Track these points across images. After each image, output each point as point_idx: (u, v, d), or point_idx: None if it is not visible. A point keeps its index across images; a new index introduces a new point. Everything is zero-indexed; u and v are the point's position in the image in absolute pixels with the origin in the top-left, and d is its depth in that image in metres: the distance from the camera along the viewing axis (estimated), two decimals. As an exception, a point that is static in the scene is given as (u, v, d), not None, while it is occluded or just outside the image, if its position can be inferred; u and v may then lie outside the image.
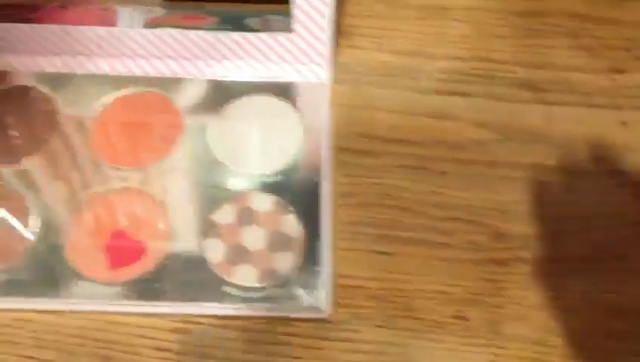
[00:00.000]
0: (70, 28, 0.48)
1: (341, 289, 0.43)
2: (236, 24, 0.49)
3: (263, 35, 0.48)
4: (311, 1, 0.46)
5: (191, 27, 0.49)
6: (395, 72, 0.51)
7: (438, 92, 0.51)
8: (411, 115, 0.50)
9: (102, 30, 0.49)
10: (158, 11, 0.49)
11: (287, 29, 0.48)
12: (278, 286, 0.42)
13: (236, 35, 0.48)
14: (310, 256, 0.43)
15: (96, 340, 0.41)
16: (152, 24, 0.49)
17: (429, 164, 0.48)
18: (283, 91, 0.49)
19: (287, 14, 0.47)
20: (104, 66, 0.50)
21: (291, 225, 0.44)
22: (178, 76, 0.50)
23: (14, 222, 0.44)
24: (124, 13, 0.49)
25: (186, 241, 0.44)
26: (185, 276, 0.42)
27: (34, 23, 0.49)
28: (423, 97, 0.50)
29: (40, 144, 0.48)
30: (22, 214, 0.45)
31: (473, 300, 0.43)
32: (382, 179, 0.47)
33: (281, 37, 0.48)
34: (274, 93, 0.49)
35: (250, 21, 0.49)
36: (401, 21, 0.53)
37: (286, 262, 0.43)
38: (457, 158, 0.48)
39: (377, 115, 0.50)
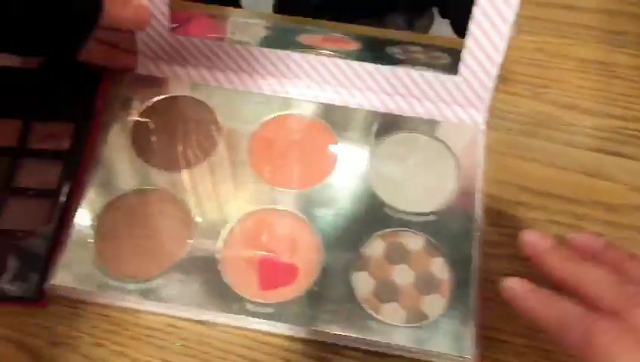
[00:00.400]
0: (238, 47, 0.51)
1: (485, 341, 0.42)
2: (378, 52, 0.50)
3: (427, 74, 0.49)
4: (483, 46, 0.46)
5: (339, 51, 0.50)
6: (550, 123, 0.51)
7: (594, 149, 0.50)
8: (565, 170, 0.49)
9: (265, 51, 0.51)
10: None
11: (444, 67, 0.48)
12: (425, 329, 0.42)
13: (400, 70, 0.49)
14: (458, 302, 0.42)
15: (240, 356, 0.42)
16: (299, 46, 0.51)
17: (584, 224, 0.47)
18: (434, 130, 0.50)
19: (452, 51, 0.48)
20: (263, 85, 0.52)
21: (441, 268, 0.43)
22: (334, 103, 0.51)
23: (174, 229, 0.46)
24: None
25: (335, 271, 0.44)
26: (332, 306, 0.43)
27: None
28: (578, 153, 0.50)
29: (201, 154, 0.49)
30: (182, 222, 0.46)
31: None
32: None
33: (444, 77, 0.48)
34: (425, 131, 0.49)
35: (390, 50, 0.50)
36: (560, 72, 0.53)
37: (434, 305, 0.42)
38: (613, 221, 0.47)
39: (529, 166, 0.49)
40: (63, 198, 0.47)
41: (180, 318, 0.43)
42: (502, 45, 0.46)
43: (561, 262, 0.37)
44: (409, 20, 0.52)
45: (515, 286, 0.37)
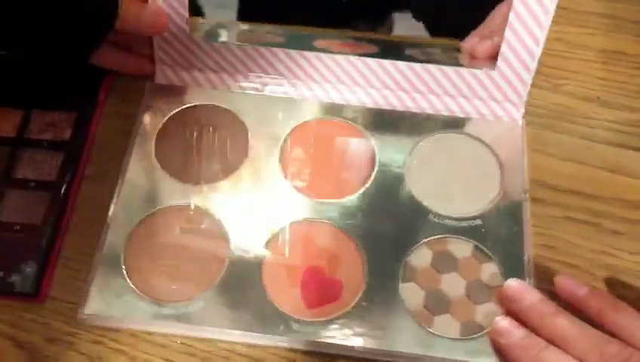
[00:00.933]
0: (262, 49, 0.47)
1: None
2: (398, 54, 0.47)
3: (462, 70, 0.46)
4: (522, 39, 0.44)
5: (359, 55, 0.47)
6: (569, 116, 0.50)
7: (614, 144, 0.49)
8: (584, 164, 0.48)
9: (292, 52, 0.47)
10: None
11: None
12: (480, 341, 0.40)
13: (432, 68, 0.46)
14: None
15: (242, 356, 0.40)
16: (319, 50, 0.47)
17: (602, 221, 0.46)
18: (470, 128, 0.47)
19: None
20: (291, 90, 0.48)
21: (492, 274, 0.42)
22: (367, 106, 0.48)
23: (209, 247, 0.42)
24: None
25: (381, 283, 0.41)
26: (382, 321, 0.40)
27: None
28: (597, 147, 0.49)
29: (231, 164, 0.45)
30: (216, 240, 0.42)
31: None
32: (547, 229, 0.45)
33: (480, 72, 0.46)
34: (461, 130, 0.47)
35: (409, 51, 0.48)
36: (580, 63, 0.52)
37: (489, 315, 0.41)
38: (633, 219, 0.46)
39: (546, 161, 0.48)
40: (63, 190, 0.44)
41: (223, 341, 0.40)
42: (542, 37, 0.44)
43: (540, 319, 0.38)
44: (371, 28, 0.49)
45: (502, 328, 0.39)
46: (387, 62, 0.46)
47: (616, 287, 0.43)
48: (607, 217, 0.46)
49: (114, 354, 0.40)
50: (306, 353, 0.40)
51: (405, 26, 0.48)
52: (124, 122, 0.48)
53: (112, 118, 0.49)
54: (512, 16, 0.43)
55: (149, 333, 0.40)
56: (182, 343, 0.40)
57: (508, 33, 0.44)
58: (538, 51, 0.44)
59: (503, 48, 0.44)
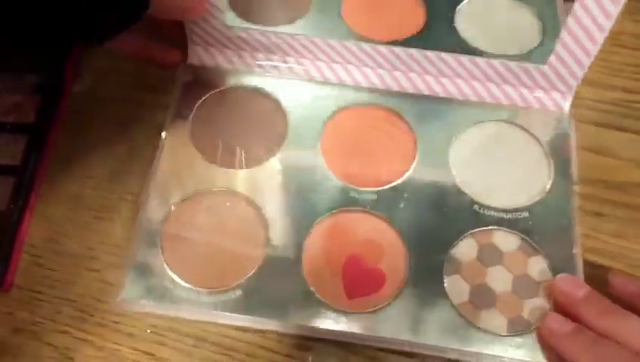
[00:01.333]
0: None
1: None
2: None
3: (511, 63, 0.44)
4: (578, 40, 0.42)
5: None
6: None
7: (598, 124, 0.46)
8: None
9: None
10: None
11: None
12: (527, 337, 0.38)
13: (478, 60, 0.45)
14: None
15: (213, 344, 0.39)
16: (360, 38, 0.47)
17: (583, 203, 0.43)
18: (517, 117, 0.45)
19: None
20: (330, 74, 0.47)
21: (540, 269, 0.40)
22: (408, 91, 0.46)
23: (248, 234, 0.41)
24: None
25: (425, 275, 0.40)
26: (422, 313, 0.39)
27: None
28: (580, 127, 0.46)
29: (268, 149, 0.44)
30: (255, 226, 0.41)
31: None
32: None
33: (530, 66, 0.44)
34: (508, 119, 0.45)
35: None
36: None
37: (535, 310, 0.39)
38: (615, 201, 0.43)
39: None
40: (27, 176, 0.43)
41: (261, 331, 0.39)
42: (600, 39, 0.41)
43: (593, 314, 0.36)
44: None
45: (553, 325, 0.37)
46: (430, 52, 0.45)
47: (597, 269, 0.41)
48: (587, 199, 0.43)
49: (81, 344, 0.39)
50: (345, 345, 0.39)
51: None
52: (93, 104, 0.47)
53: (80, 99, 0.47)
54: (570, 19, 0.41)
55: (117, 322, 0.40)
56: (152, 332, 0.39)
57: (564, 34, 0.42)
58: (594, 51, 0.42)
59: (558, 47, 0.42)
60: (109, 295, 0.40)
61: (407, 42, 0.47)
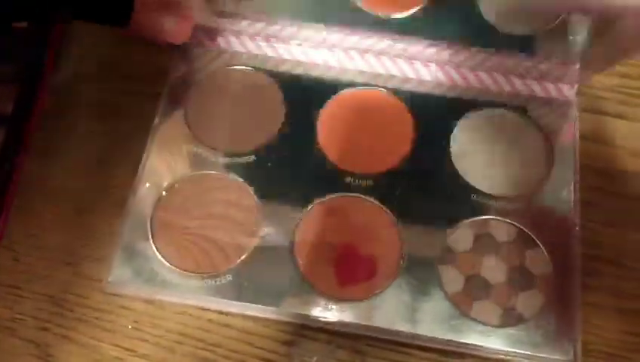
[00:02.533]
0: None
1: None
2: None
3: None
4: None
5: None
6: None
7: (596, 111, 0.45)
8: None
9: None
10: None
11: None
12: (520, 329, 0.38)
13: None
14: (557, 299, 0.39)
15: (196, 339, 0.39)
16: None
17: (582, 194, 0.41)
18: (520, 106, 0.44)
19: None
20: (330, 58, 0.45)
21: (536, 260, 0.39)
22: (409, 77, 0.45)
23: (240, 218, 0.40)
24: None
25: (419, 264, 0.39)
26: (415, 303, 0.38)
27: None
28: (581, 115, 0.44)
29: (264, 133, 0.43)
30: (248, 211, 0.41)
31: None
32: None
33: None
34: (510, 108, 0.44)
35: None
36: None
37: (531, 303, 0.38)
38: (604, 189, 0.42)
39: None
40: (5, 169, 0.42)
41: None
42: None
43: None
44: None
45: None
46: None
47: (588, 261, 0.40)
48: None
49: (61, 341, 0.39)
50: (336, 333, 0.38)
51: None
52: (74, 93, 0.46)
53: (60, 89, 0.46)
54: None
55: (99, 318, 0.39)
56: (133, 328, 0.39)
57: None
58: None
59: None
60: (92, 288, 0.39)
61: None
